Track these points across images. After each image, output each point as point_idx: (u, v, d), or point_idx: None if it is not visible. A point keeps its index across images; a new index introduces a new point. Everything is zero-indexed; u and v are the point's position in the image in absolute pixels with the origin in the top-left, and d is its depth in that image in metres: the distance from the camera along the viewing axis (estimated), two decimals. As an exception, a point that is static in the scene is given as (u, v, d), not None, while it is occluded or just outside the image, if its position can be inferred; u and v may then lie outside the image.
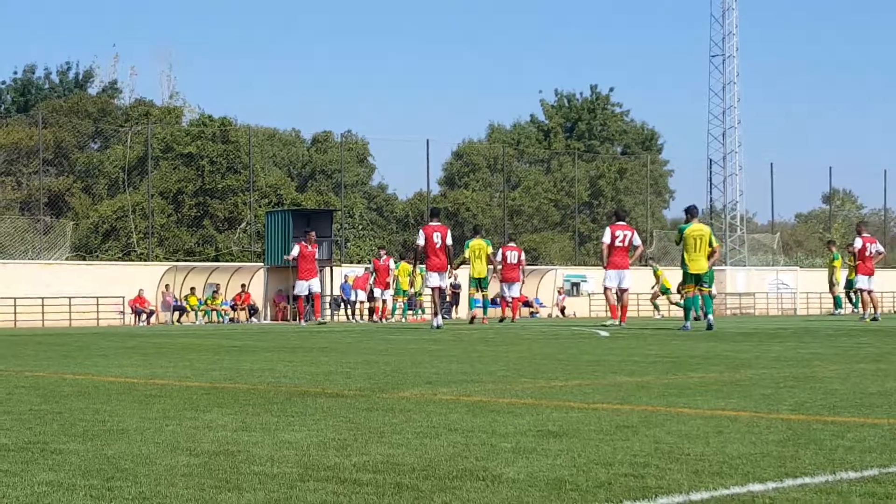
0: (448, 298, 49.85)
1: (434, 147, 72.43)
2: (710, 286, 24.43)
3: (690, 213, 24.11)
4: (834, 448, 5.74)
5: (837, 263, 40.72)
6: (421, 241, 27.14)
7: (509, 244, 34.96)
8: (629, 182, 79.56)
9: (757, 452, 5.60)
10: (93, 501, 4.59)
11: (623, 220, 26.68)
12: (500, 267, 33.56)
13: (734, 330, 23.61)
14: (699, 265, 23.50)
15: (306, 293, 33.96)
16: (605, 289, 26.67)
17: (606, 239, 26.12)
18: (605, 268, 26.37)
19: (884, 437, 6.11)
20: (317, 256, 34.15)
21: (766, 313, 57.71)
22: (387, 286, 40.82)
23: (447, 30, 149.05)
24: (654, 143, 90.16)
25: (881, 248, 31.97)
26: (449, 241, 27.21)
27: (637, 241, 26.29)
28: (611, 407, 7.71)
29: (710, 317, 23.30)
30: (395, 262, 42.58)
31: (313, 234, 35.05)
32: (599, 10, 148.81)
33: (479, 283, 31.89)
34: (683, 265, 23.79)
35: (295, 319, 45.54)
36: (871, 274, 30.97)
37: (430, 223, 27.49)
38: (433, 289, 27.65)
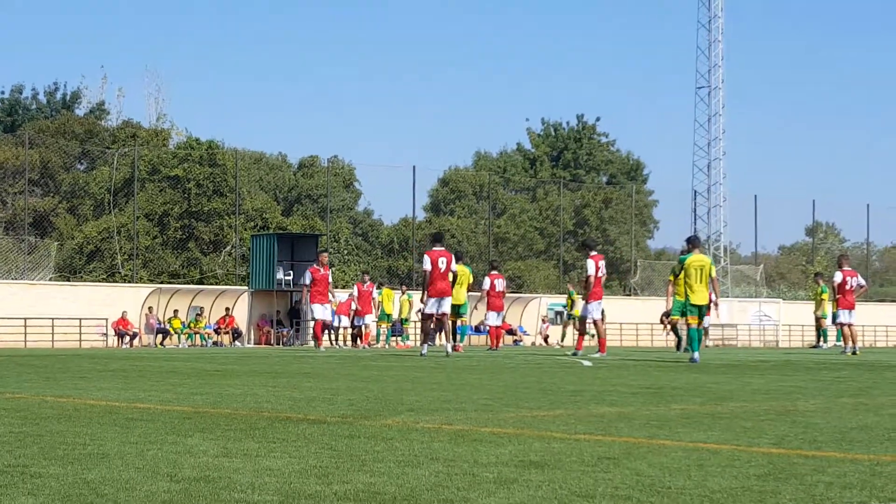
0: (433, 325, 49.82)
1: (420, 174, 72.33)
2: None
3: (692, 243, 23.86)
4: (815, 483, 5.75)
5: (826, 296, 40.78)
6: (427, 266, 26.43)
7: (493, 272, 34.78)
8: (614, 211, 79.75)
9: (738, 486, 5.61)
10: (72, 526, 4.57)
11: (595, 249, 26.76)
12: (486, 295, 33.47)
13: (716, 361, 23.63)
14: (700, 296, 23.11)
15: (325, 318, 33.01)
16: (595, 321, 26.58)
17: (592, 271, 26.06)
18: (589, 300, 26.26)
19: (864, 474, 6.12)
20: (330, 279, 33.08)
21: (748, 345, 57.79)
22: (368, 312, 40.62)
23: (435, 57, 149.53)
24: (639, 174, 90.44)
25: (863, 282, 32.12)
26: (454, 266, 26.78)
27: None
28: (592, 438, 7.71)
29: (696, 354, 23.17)
30: (378, 289, 42.40)
31: (325, 256, 33.86)
32: (587, 40, 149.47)
33: (458, 310, 31.55)
34: (685, 296, 23.25)
35: (280, 343, 45.42)
36: (851, 307, 31.08)
37: (434, 248, 26.81)
38: (429, 315, 26.95)
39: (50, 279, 49.24)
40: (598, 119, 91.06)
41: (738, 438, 7.76)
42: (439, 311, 26.88)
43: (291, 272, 47.79)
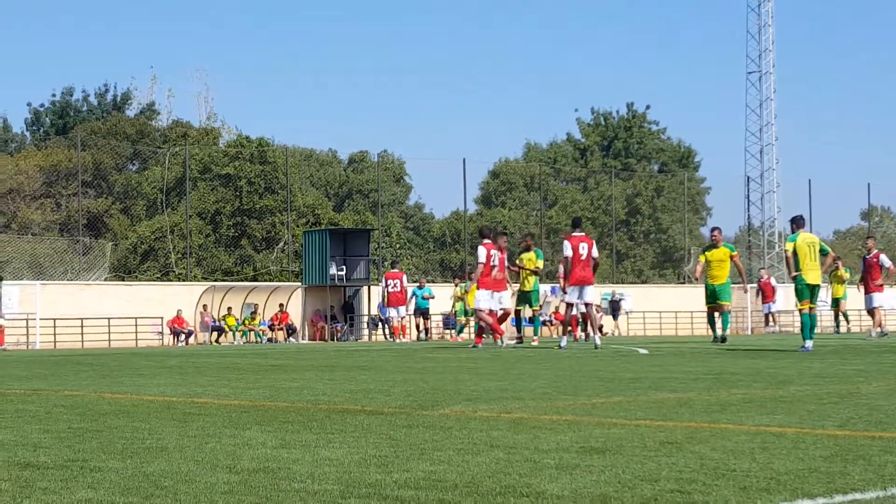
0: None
1: (470, 166, 72.17)
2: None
3: (796, 223, 22.46)
4: (883, 464, 5.65)
5: (847, 277, 40.33)
6: (568, 252, 25.01)
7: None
8: (666, 200, 79.36)
9: (804, 468, 5.52)
10: (133, 519, 4.54)
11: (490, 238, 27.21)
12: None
13: (774, 346, 23.45)
14: (815, 275, 22.07)
15: (499, 306, 28.62)
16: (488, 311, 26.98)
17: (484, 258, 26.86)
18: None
19: (933, 453, 6.01)
20: (506, 264, 29.33)
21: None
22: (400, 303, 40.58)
23: (483, 49, 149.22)
24: (690, 161, 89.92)
25: None
26: (595, 252, 25.37)
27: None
28: (653, 423, 7.63)
29: (809, 342, 21.94)
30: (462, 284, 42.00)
31: (504, 237, 30.42)
32: (635, 29, 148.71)
33: (529, 299, 30.01)
34: (798, 279, 22.09)
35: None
36: None
37: (574, 233, 25.40)
38: (569, 305, 25.81)
39: (105, 279, 49.55)
40: (648, 107, 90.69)
41: (802, 421, 7.66)
42: (581, 300, 25.59)
43: (344, 267, 47.84)
